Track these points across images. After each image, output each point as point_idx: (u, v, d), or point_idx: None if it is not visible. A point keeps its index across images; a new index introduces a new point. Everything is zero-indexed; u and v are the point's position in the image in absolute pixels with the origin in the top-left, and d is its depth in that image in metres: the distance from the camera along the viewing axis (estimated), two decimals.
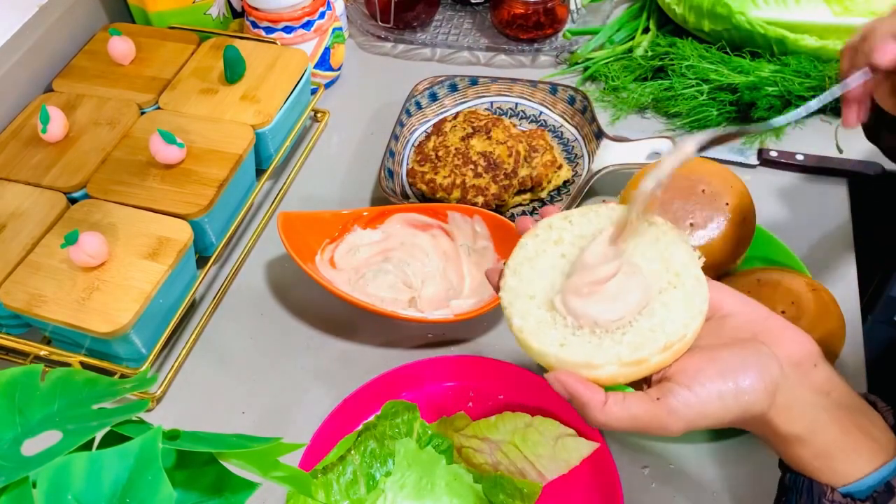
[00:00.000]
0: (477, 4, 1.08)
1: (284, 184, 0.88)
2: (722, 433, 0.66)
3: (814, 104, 0.54)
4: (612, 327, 0.45)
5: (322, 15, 0.93)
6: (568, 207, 0.79)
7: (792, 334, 0.47)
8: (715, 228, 0.72)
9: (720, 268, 0.73)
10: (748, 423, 0.46)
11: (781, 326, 0.48)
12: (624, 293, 0.46)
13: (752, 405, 0.44)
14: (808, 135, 0.90)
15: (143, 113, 0.83)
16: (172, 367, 0.72)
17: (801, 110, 0.54)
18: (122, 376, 0.70)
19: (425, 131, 0.91)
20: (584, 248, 0.48)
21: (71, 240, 0.66)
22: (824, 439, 0.46)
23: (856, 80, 0.57)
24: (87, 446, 0.34)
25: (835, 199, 0.83)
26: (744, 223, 0.72)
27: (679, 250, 0.48)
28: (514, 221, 0.75)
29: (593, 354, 0.45)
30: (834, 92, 0.56)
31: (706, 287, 0.46)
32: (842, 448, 0.46)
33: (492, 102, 0.92)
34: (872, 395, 0.50)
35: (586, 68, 0.98)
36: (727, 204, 0.73)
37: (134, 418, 0.37)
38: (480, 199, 0.80)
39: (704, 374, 0.44)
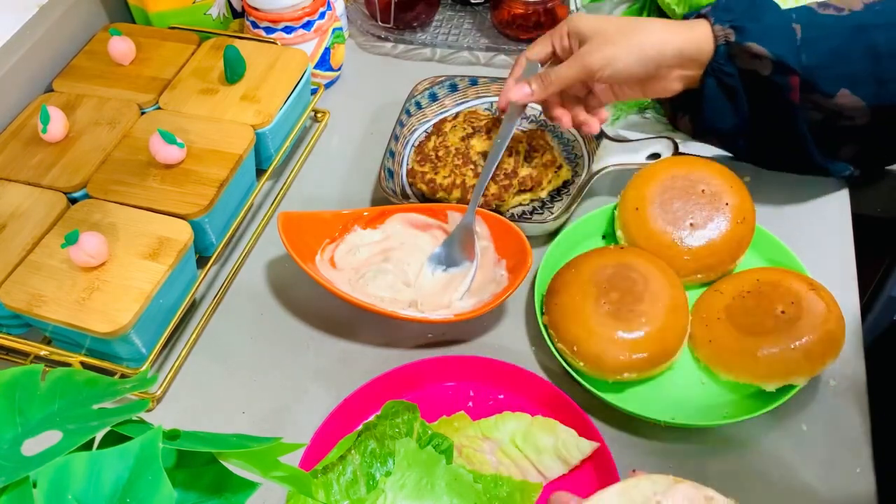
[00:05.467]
0: (477, 4, 1.08)
1: (284, 184, 0.89)
2: (723, 432, 0.66)
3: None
4: None
5: (322, 15, 0.93)
6: (567, 208, 0.79)
7: None
8: (715, 228, 0.72)
9: (720, 268, 0.73)
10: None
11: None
12: None
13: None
14: None
15: (143, 113, 0.83)
16: (172, 367, 0.72)
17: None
18: (123, 376, 0.70)
19: (425, 131, 0.91)
20: None
21: (71, 240, 0.66)
22: None
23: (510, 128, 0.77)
24: (87, 446, 0.34)
25: (835, 199, 0.83)
26: (744, 223, 0.73)
27: None
28: (514, 221, 0.75)
29: None
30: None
31: None
32: None
33: (492, 102, 0.92)
34: None
35: None
36: (727, 204, 0.73)
37: (134, 418, 0.37)
38: (480, 199, 0.80)
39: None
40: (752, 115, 0.72)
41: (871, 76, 0.65)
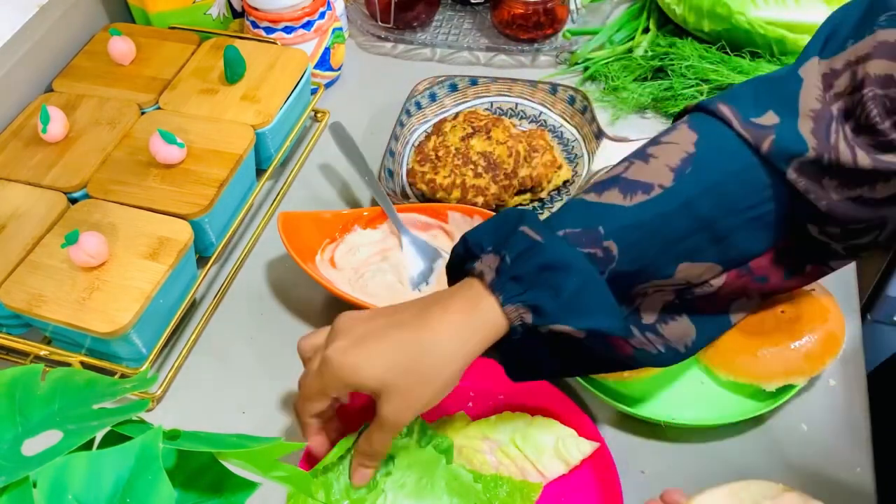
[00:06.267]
0: (477, 4, 1.08)
1: (284, 184, 0.88)
2: (722, 432, 0.66)
3: None
4: None
5: (322, 15, 0.93)
6: None
7: None
8: None
9: None
10: None
11: None
12: None
13: None
14: None
15: (143, 113, 0.83)
16: (172, 367, 0.72)
17: None
18: (123, 376, 0.70)
19: (425, 131, 0.91)
20: None
21: (71, 240, 0.66)
22: None
23: None
24: (88, 446, 0.34)
25: None
26: None
27: None
28: None
29: None
30: None
31: None
32: None
33: (492, 102, 0.92)
34: None
35: (586, 68, 0.98)
36: None
37: (134, 418, 0.37)
38: (480, 199, 0.80)
39: None
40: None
41: (707, 241, 0.56)
